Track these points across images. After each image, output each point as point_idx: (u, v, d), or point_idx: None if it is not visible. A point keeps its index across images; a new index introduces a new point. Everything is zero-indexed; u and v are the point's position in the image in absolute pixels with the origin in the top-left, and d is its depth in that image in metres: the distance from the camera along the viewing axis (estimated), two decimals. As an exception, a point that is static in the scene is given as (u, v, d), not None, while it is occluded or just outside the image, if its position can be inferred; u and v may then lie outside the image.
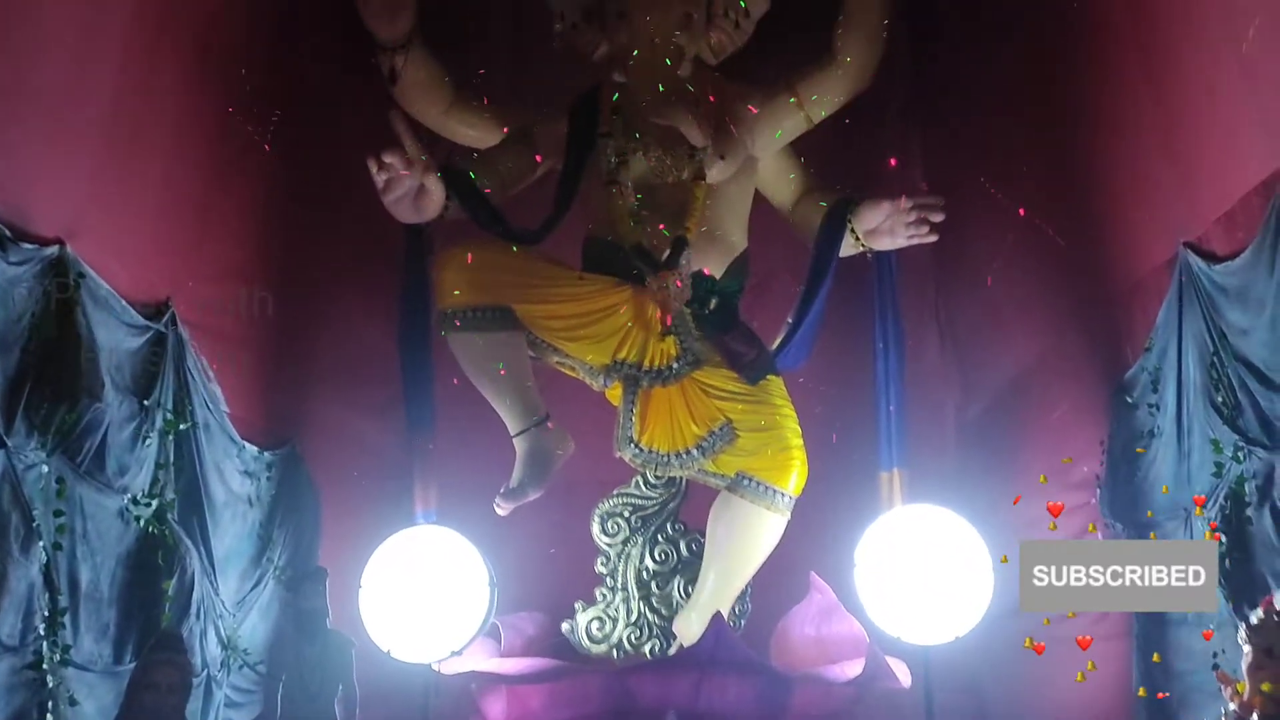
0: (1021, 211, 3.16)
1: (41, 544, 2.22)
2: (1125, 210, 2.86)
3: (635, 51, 3.26)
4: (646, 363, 3.13)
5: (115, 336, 2.48)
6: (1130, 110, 2.72)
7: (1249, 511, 2.35)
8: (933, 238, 3.16)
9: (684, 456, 3.14)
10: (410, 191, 2.85)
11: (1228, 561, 2.36)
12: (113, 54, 2.47)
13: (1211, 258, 2.48)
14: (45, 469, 2.24)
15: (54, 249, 2.30)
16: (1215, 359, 2.44)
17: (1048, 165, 3.20)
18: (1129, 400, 2.86)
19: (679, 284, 3.11)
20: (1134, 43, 2.67)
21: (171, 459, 2.65)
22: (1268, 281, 2.22)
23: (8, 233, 2.17)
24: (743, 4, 3.35)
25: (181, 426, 2.67)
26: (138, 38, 2.53)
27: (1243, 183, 2.33)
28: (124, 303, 2.52)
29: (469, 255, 3.08)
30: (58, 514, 2.27)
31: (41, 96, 2.27)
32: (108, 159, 2.48)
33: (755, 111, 3.28)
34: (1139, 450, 2.80)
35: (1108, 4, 2.81)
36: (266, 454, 3.12)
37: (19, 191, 2.22)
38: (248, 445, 3.00)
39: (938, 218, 3.12)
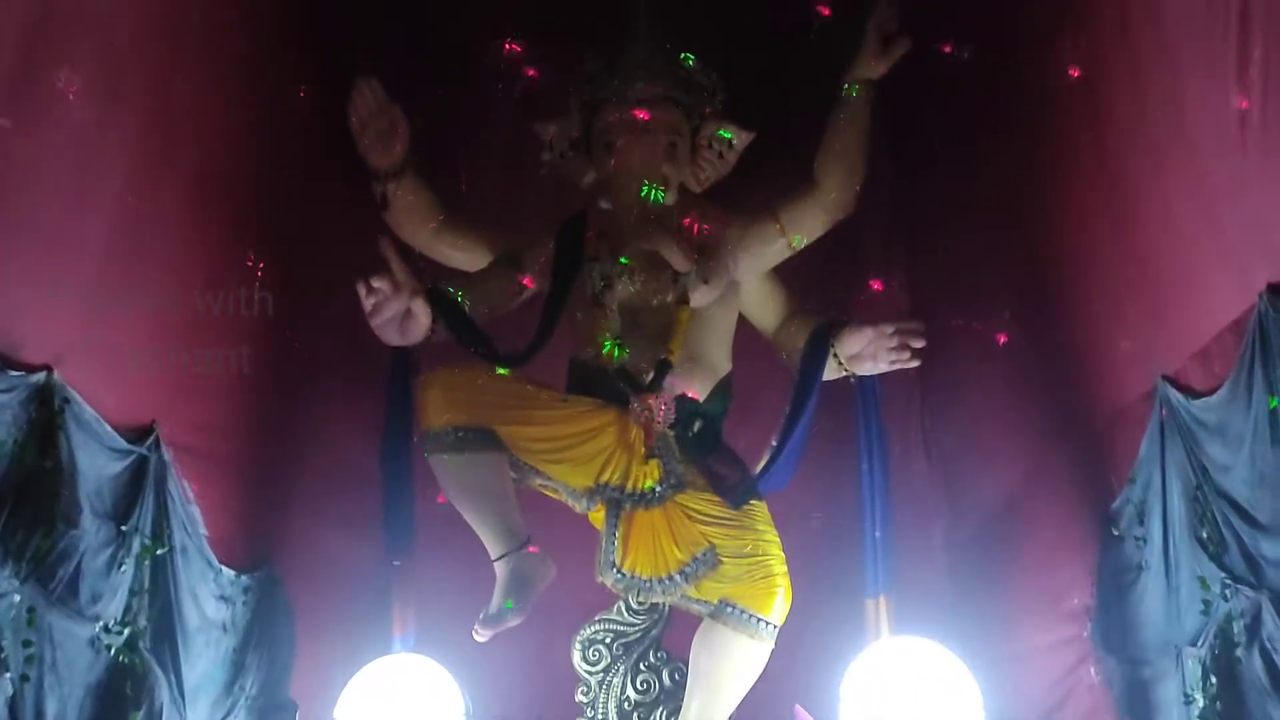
0: (1001, 339, 3.21)
1: (9, 675, 2.16)
2: (1103, 342, 2.91)
3: (621, 179, 3.33)
4: (630, 486, 3.12)
5: (97, 461, 2.47)
6: (1100, 247, 2.79)
7: (1238, 652, 2.33)
8: (915, 363, 3.19)
9: (667, 582, 3.11)
10: (397, 315, 2.87)
11: (1219, 704, 2.33)
12: (112, 186, 2.51)
13: (1190, 392, 2.50)
14: (17, 597, 2.20)
15: (41, 375, 2.30)
16: (1199, 493, 2.45)
17: (1026, 294, 3.27)
18: (1115, 532, 2.86)
19: (663, 407, 3.13)
20: (1102, 183, 2.76)
21: (146, 585, 2.61)
22: (1245, 418, 2.24)
23: (-4, 361, 2.18)
24: (726, 135, 3.44)
25: (158, 551, 2.64)
26: (138, 171, 2.58)
27: (1215, 320, 2.38)
28: (108, 427, 2.51)
29: (453, 377, 3.09)
30: (27, 644, 2.22)
31: (38, 227, 2.30)
32: (101, 286, 2.50)
33: (739, 237, 3.34)
34: (1128, 583, 2.79)
35: (1074, 138, 2.91)
36: (243, 577, 3.07)
37: (10, 319, 2.24)
38: (225, 569, 2.96)
39: (920, 343, 3.15)
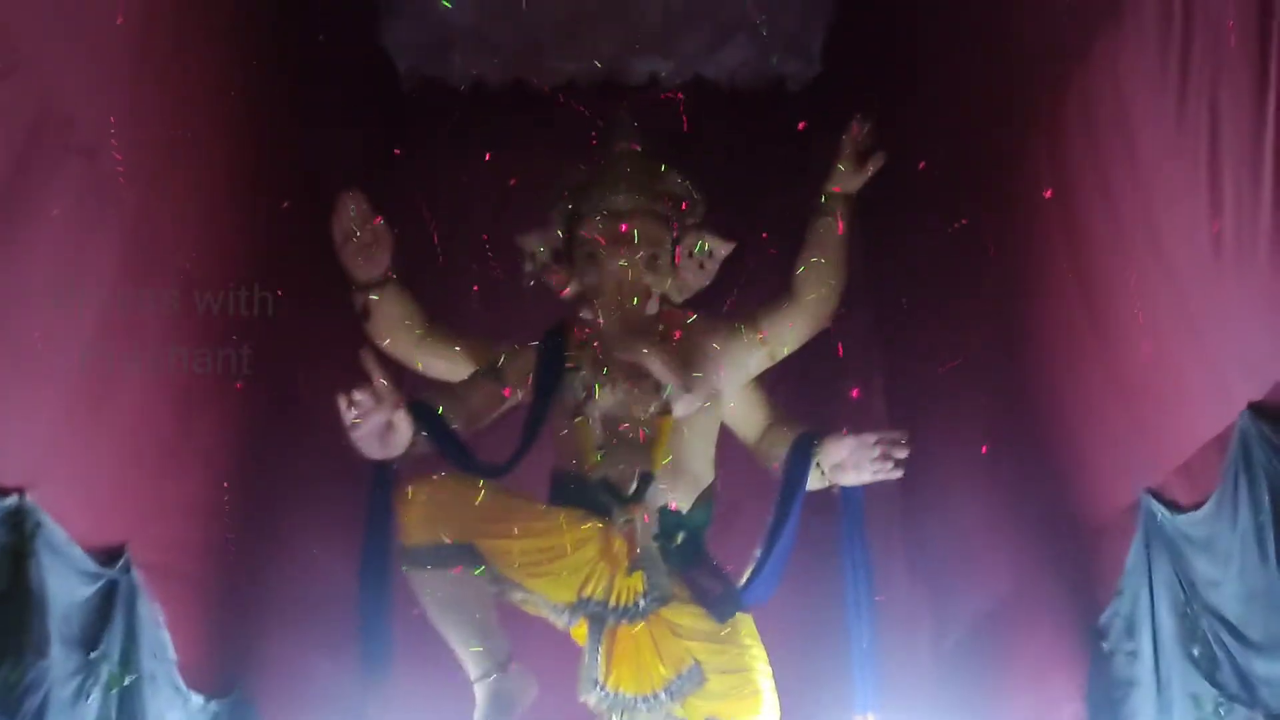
0: (984, 449, 3.22)
1: (-31, 814, 2.08)
2: (1085, 454, 2.91)
3: (603, 290, 3.36)
4: (613, 600, 3.06)
5: (68, 586, 2.40)
6: (1081, 360, 2.81)
7: (1236, 772, 2.29)
8: (898, 474, 3.17)
9: (651, 700, 3.03)
10: (378, 428, 2.84)
11: (1218, 827, 2.28)
12: (91, 307, 2.50)
13: (1174, 506, 2.50)
14: (-20, 733, 2.13)
15: (14, 498, 2.26)
16: (1188, 609, 2.43)
17: (1006, 405, 3.28)
18: (1104, 646, 2.82)
19: (645, 518, 3.10)
20: (1080, 298, 2.79)
21: (114, 715, 2.51)
22: (1232, 535, 2.23)
23: (-32, 486, 2.13)
24: (707, 247, 3.49)
25: (127, 680, 2.55)
26: (116, 292, 2.58)
27: (1197, 435, 2.39)
28: (80, 551, 2.45)
29: (434, 490, 3.05)
30: (-11, 781, 2.13)
31: (17, 347, 2.28)
32: (77, 404, 2.47)
33: (720, 348, 3.35)
34: (1118, 699, 2.74)
35: (1050, 252, 2.95)
36: (213, 703, 2.97)
37: (-17, 441, 2.20)
38: (194, 695, 2.87)
39: (903, 454, 3.15)
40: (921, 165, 3.36)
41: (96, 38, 2.46)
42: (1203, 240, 2.17)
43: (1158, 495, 2.56)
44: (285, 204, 3.46)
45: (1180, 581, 2.46)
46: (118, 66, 2.54)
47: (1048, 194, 2.75)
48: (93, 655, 2.46)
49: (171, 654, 2.78)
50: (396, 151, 4.21)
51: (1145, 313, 2.43)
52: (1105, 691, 2.85)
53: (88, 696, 2.43)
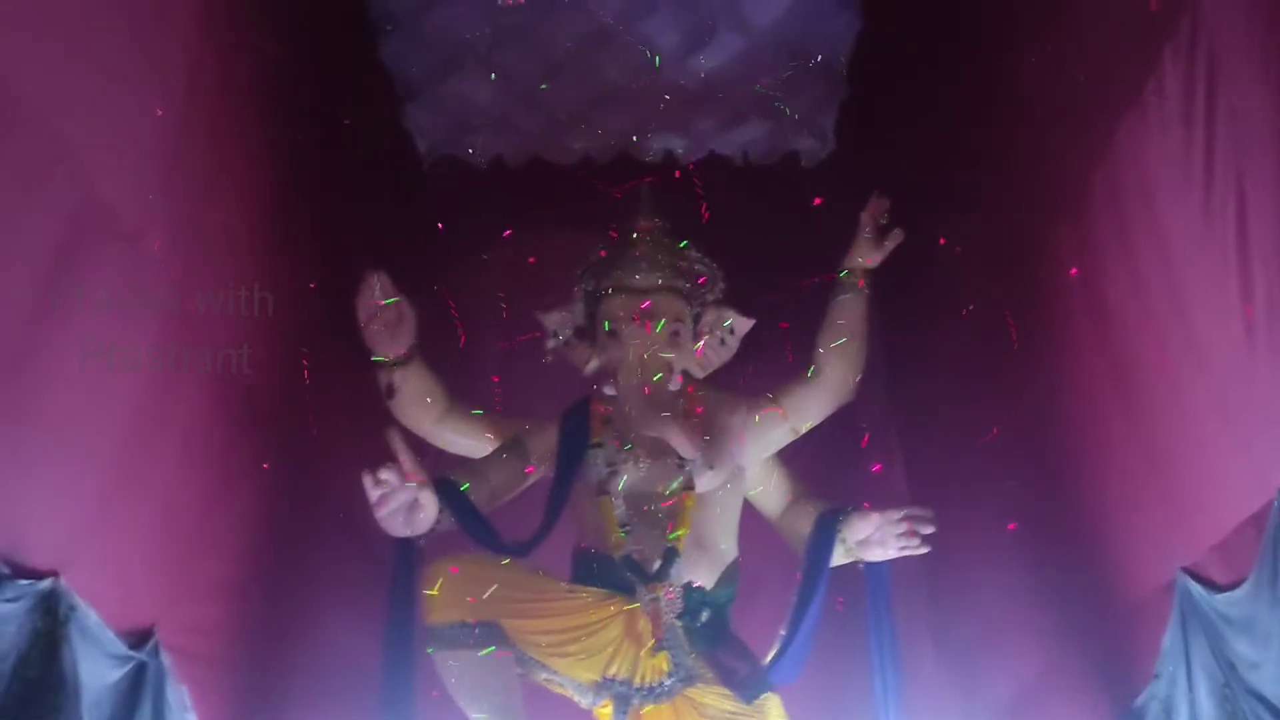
0: (1011, 526, 3.20)
1: None
2: (1118, 532, 2.90)
3: (625, 366, 3.37)
4: (638, 679, 3.03)
5: (99, 670, 2.39)
6: (1111, 438, 2.81)
7: None
8: (924, 549, 3.16)
9: (678, 782, 2.99)
10: (404, 506, 2.84)
11: None
12: (127, 390, 2.52)
13: (1212, 585, 2.48)
14: (11, 822, 2.10)
15: (48, 582, 2.25)
16: (1227, 690, 2.40)
17: (1033, 483, 3.27)
18: (1142, 730, 2.79)
19: (670, 596, 3.08)
20: (1109, 377, 2.80)
21: (140, 801, 2.49)
22: (1272, 615, 2.22)
23: (5, 570, 2.13)
24: (728, 324, 3.51)
25: (153, 765, 2.53)
26: (150, 377, 2.60)
27: (1233, 513, 2.38)
28: (111, 634, 2.44)
29: (458, 570, 3.03)
30: None
31: (50, 430, 2.29)
32: (110, 487, 2.48)
33: (742, 422, 3.36)
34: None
35: (1076, 332, 2.97)
36: (238, 786, 2.93)
37: (18, 526, 2.20)
38: (220, 778, 2.83)
39: (929, 529, 3.14)
40: (942, 241, 3.39)
41: (137, 128, 2.51)
42: (1234, 324, 2.19)
43: (1194, 574, 2.55)
44: (312, 284, 3.50)
45: (1219, 663, 2.44)
46: (157, 156, 2.59)
47: (1073, 273, 2.77)
48: (121, 741, 2.44)
49: (198, 737, 2.76)
50: (440, 226, 4.24)
51: (1177, 395, 2.44)
52: (1144, 777, 2.81)
53: (116, 783, 2.40)
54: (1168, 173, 2.38)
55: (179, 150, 2.66)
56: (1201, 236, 2.27)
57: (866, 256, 3.31)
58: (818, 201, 3.86)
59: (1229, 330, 2.21)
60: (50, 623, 2.23)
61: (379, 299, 3.22)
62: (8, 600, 2.13)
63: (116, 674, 2.47)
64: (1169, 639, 2.62)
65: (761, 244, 4.16)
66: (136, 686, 2.53)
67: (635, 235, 3.50)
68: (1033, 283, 3.11)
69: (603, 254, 3.51)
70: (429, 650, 2.99)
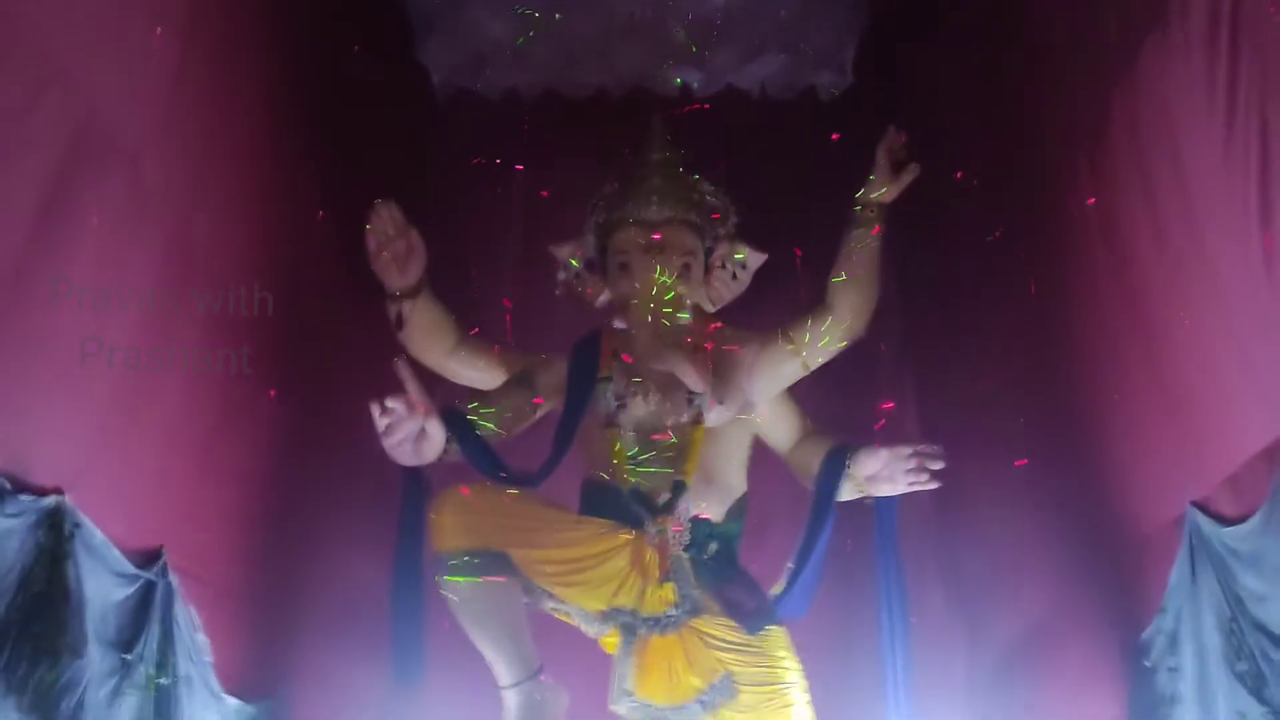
0: (1021, 463, 3.18)
1: (7, 813, 2.09)
2: (1128, 467, 2.87)
3: (635, 299, 3.35)
4: (644, 610, 3.05)
5: (104, 587, 2.41)
6: (1124, 372, 2.78)
7: (1284, 791, 2.25)
8: (934, 485, 3.14)
9: (682, 711, 3.02)
10: (411, 435, 2.84)
11: (1264, 844, 2.24)
12: (129, 311, 2.52)
13: (1221, 520, 2.46)
14: (19, 732, 2.13)
15: (52, 499, 2.26)
16: (1234, 625, 2.39)
17: (1046, 418, 3.24)
18: (1147, 663, 2.77)
19: (677, 528, 3.08)
20: (1124, 310, 2.76)
21: (150, 717, 2.52)
22: (1280, 549, 2.20)
23: (7, 485, 2.14)
24: (740, 257, 3.48)
25: (163, 681, 2.56)
26: (155, 295, 2.60)
27: (1245, 447, 2.35)
28: (117, 552, 2.46)
29: (466, 499, 3.04)
30: (28, 779, 2.14)
31: (57, 350, 2.30)
32: (115, 408, 2.48)
33: (753, 358, 3.33)
34: (1162, 716, 2.69)
35: (1093, 264, 2.92)
36: (249, 707, 2.97)
37: (22, 442, 2.21)
38: (229, 698, 2.87)
39: (938, 465, 3.12)
40: (958, 175, 3.33)
41: (136, 48, 2.48)
42: (1252, 254, 2.14)
43: (1204, 508, 2.52)
44: (320, 213, 3.48)
45: (1226, 597, 2.42)
46: (157, 76, 2.57)
47: (1090, 202, 2.72)
48: (129, 657, 2.47)
49: (208, 657, 2.79)
50: (476, 160, 4.19)
51: (1192, 325, 2.39)
52: (1147, 710, 2.80)
53: (125, 697, 2.44)
54: (1189, 99, 2.32)
55: (181, 73, 2.63)
56: (1221, 163, 2.21)
57: (882, 191, 3.26)
58: (835, 137, 3.79)
59: (1246, 260, 2.17)
60: (55, 538, 2.24)
61: (389, 229, 3.20)
62: (11, 515, 2.15)
63: (123, 592, 2.49)
64: (1176, 573, 2.60)
65: (776, 178, 4.10)
66: (144, 605, 2.55)
67: (648, 168, 3.46)
68: (1049, 215, 3.06)
69: (615, 186, 3.48)
70: (437, 578, 3.01)
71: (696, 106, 4.36)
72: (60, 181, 2.26)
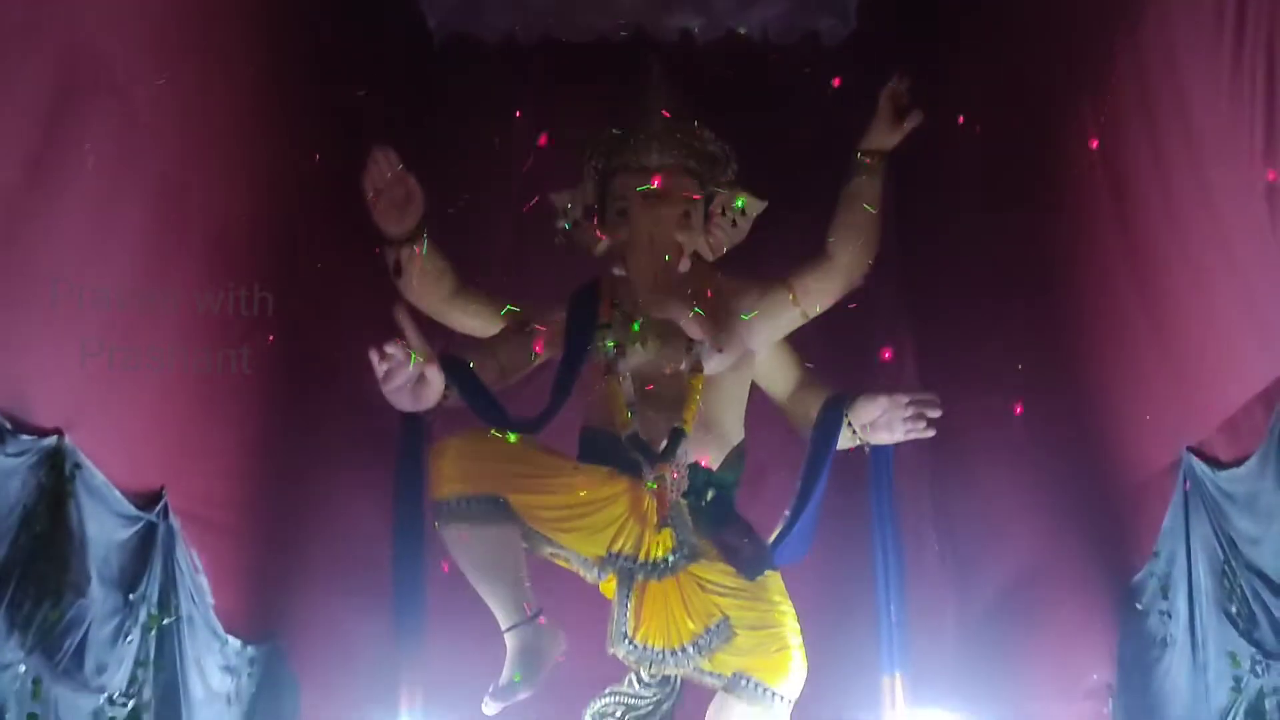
0: (1019, 410, 3.19)
1: (12, 749, 2.11)
2: (1124, 413, 2.88)
3: (635, 247, 3.34)
4: (642, 555, 3.07)
5: (106, 528, 2.43)
6: (1123, 317, 2.78)
7: (1271, 729, 2.28)
8: (930, 433, 3.15)
9: (679, 654, 3.04)
10: (410, 381, 2.84)
11: (1252, 785, 2.28)
12: (125, 251, 2.51)
13: (1216, 464, 2.47)
14: (22, 668, 2.15)
15: (52, 439, 2.27)
16: (1226, 567, 2.41)
17: (1042, 365, 3.25)
18: (1138, 607, 2.80)
19: (675, 475, 3.09)
20: (1124, 253, 2.75)
21: (152, 656, 2.55)
22: (1275, 491, 2.21)
23: (7, 424, 2.15)
24: (740, 204, 3.46)
25: (165, 621, 2.59)
26: (150, 235, 2.59)
27: (1243, 390, 2.35)
28: (118, 493, 2.48)
29: (465, 445, 3.06)
30: (32, 716, 2.15)
31: (49, 290, 2.29)
32: (112, 349, 2.48)
33: (751, 306, 3.33)
34: (1152, 659, 2.73)
35: (1094, 208, 2.91)
36: (249, 648, 3.01)
37: (21, 383, 2.22)
38: (231, 639, 2.90)
39: (935, 413, 3.13)
40: (960, 120, 3.31)
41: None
42: (1255, 193, 2.13)
43: (1200, 453, 2.53)
44: (316, 156, 3.45)
45: (1219, 540, 2.44)
46: (147, 9, 2.53)
47: (1093, 144, 2.70)
48: (132, 596, 2.49)
49: (209, 598, 2.82)
50: (519, 114, 4.15)
51: (1193, 270, 2.39)
52: (1137, 653, 2.84)
53: (127, 636, 2.47)
54: (1194, 37, 2.30)
55: (172, 7, 2.60)
56: (1226, 103, 2.20)
57: (884, 138, 3.24)
58: (837, 83, 3.76)
59: (1249, 200, 2.16)
60: (56, 478, 2.26)
61: (386, 175, 3.18)
62: (12, 455, 2.16)
63: (125, 533, 2.51)
64: (1170, 518, 2.62)
65: (777, 124, 4.07)
66: (146, 546, 2.57)
67: (647, 114, 3.43)
68: (1051, 160, 3.04)
69: (614, 133, 3.45)
70: (436, 524, 3.03)
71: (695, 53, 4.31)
72: (51, 117, 2.24)
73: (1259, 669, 2.33)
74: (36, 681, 2.17)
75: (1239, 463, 2.37)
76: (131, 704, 2.47)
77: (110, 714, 2.42)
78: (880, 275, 3.46)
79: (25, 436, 2.20)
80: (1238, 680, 2.38)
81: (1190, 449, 2.56)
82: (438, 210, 3.34)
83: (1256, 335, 2.27)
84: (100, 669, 2.39)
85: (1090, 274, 2.96)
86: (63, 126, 2.26)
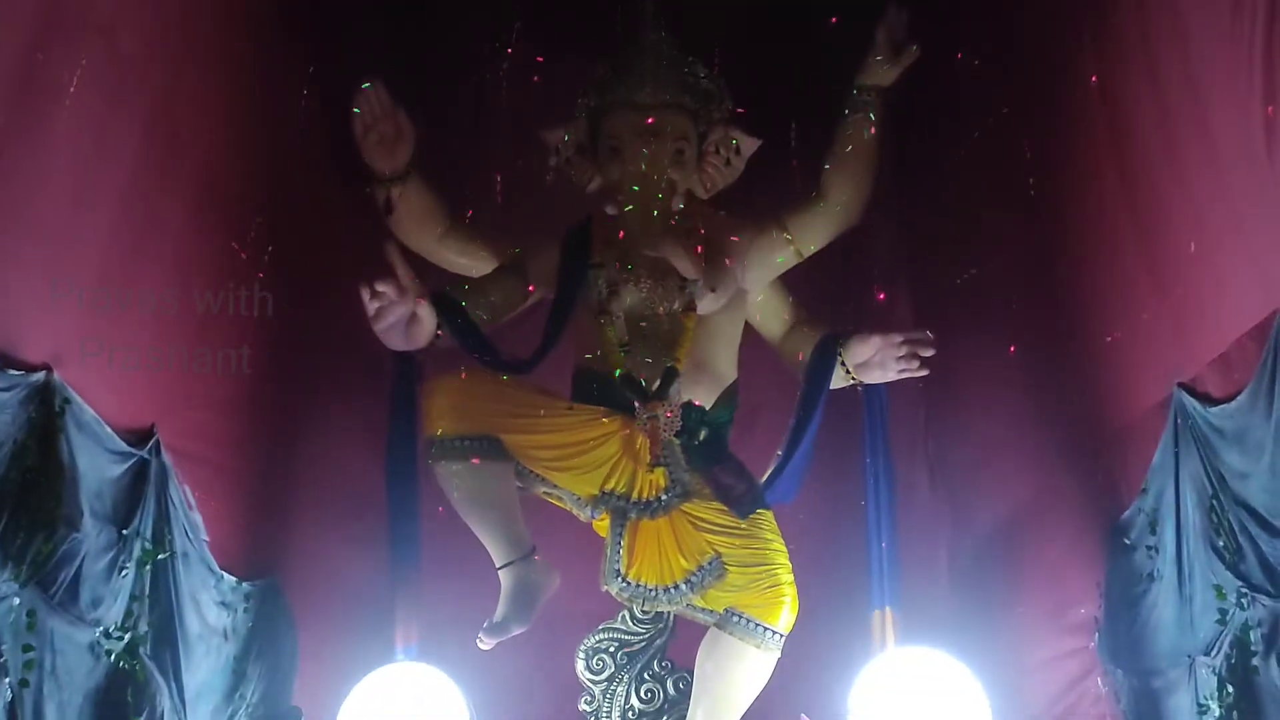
0: (1012, 350, 3.19)
1: (8, 680, 2.12)
2: (1117, 350, 2.89)
3: (628, 185, 3.31)
4: (635, 494, 3.09)
5: (98, 464, 2.43)
6: (1118, 254, 2.77)
7: (1255, 661, 2.30)
8: (923, 372, 3.17)
9: (672, 591, 3.08)
10: (401, 319, 2.84)
11: (1235, 714, 2.31)
12: (113, 190, 2.49)
13: (1207, 400, 2.47)
14: (17, 601, 2.15)
15: (41, 375, 2.26)
16: (1215, 502, 2.42)
17: (1037, 304, 3.24)
18: (1126, 541, 2.83)
19: (669, 415, 3.10)
20: (1121, 190, 2.74)
21: (147, 590, 2.56)
22: (1265, 425, 2.22)
23: (-4, 359, 2.14)
24: (734, 142, 3.42)
25: (159, 556, 2.60)
26: (139, 171, 2.56)
27: (1236, 326, 2.35)
28: (108, 429, 2.47)
29: (458, 384, 3.06)
30: (26, 648, 2.16)
31: (39, 227, 2.27)
32: (101, 285, 2.47)
33: (746, 245, 3.31)
34: (1138, 593, 2.76)
35: (1092, 144, 2.89)
36: (245, 584, 3.03)
37: (10, 317, 2.20)
38: (226, 575, 2.92)
39: (928, 353, 3.13)
40: (958, 55, 3.27)
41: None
42: (1253, 127, 2.11)
43: (1191, 389, 2.54)
44: (305, 93, 3.41)
45: (1208, 475, 2.45)
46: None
47: (1093, 80, 2.67)
48: (125, 532, 2.50)
49: (203, 535, 2.83)
50: (510, 50, 4.09)
51: (1190, 206, 2.38)
52: (1124, 587, 2.87)
53: (122, 571, 2.48)
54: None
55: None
56: (1226, 35, 2.17)
57: (880, 74, 3.20)
58: (834, 20, 3.70)
59: (1247, 135, 2.14)
60: (45, 413, 2.25)
61: (376, 112, 3.15)
62: (1, 389, 2.14)
63: (117, 469, 2.51)
64: (1160, 454, 2.64)
65: (773, 61, 4.01)
66: (139, 482, 2.57)
67: (640, 50, 3.38)
68: (1051, 96, 3.01)
69: (607, 70, 3.40)
70: (430, 462, 3.03)
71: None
72: (37, 50, 2.20)
73: (1244, 602, 2.36)
74: (31, 614, 2.18)
75: (1230, 399, 2.37)
76: (128, 637, 2.49)
77: (106, 647, 2.44)
78: (876, 214, 3.45)
79: (13, 371, 2.19)
80: (1223, 613, 2.41)
81: (1181, 385, 2.56)
82: (428, 148, 3.31)
83: (1251, 272, 2.26)
84: (95, 603, 2.40)
85: (1087, 211, 2.94)
86: (49, 67, 2.22)
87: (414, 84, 3.70)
